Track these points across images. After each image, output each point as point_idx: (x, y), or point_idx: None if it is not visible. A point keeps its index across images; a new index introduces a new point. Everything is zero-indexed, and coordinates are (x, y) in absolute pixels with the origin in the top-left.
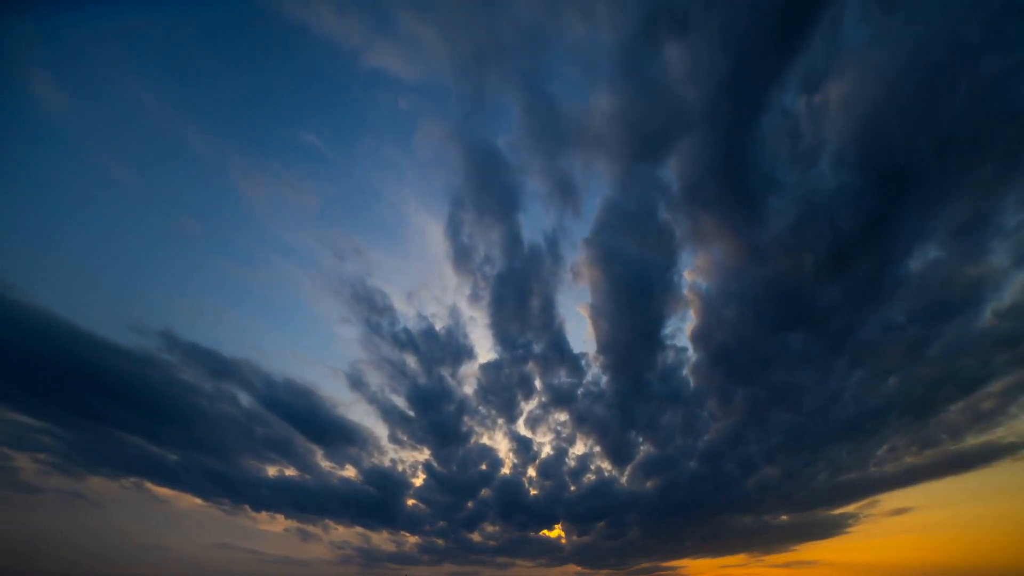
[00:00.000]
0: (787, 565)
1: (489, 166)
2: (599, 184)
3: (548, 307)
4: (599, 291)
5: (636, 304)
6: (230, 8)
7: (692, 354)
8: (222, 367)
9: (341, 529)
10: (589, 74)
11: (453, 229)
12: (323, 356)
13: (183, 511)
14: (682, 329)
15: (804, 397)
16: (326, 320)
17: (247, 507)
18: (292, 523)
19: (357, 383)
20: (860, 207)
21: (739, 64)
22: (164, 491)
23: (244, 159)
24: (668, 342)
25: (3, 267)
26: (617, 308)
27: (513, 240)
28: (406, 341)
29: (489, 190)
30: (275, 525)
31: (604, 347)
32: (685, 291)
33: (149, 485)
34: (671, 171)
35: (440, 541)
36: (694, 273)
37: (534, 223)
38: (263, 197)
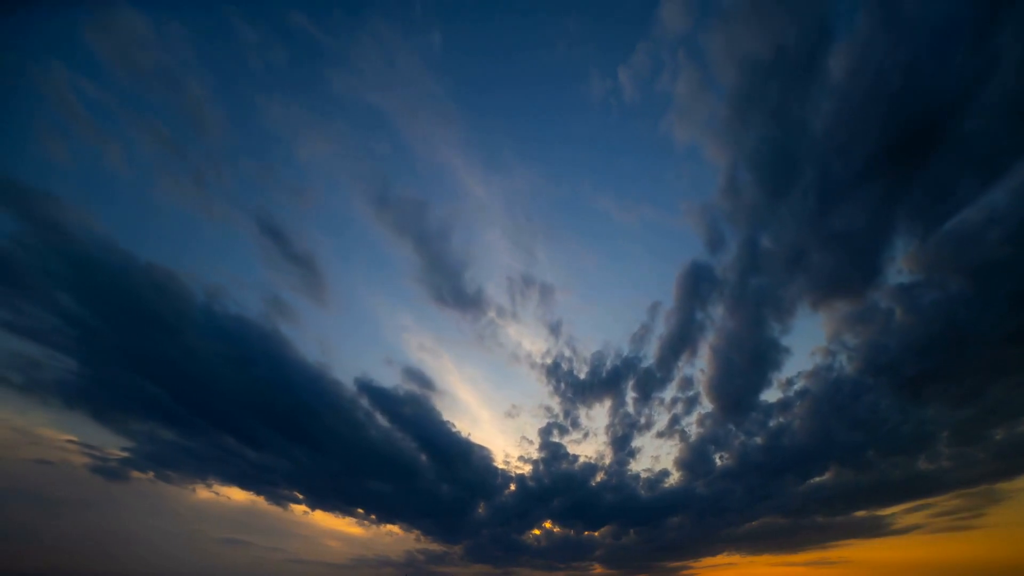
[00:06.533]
0: (808, 564)
1: (704, 284)
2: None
3: (689, 365)
4: (726, 343)
5: (756, 356)
6: None
7: (785, 395)
8: (387, 400)
9: (400, 533)
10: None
11: (650, 316)
12: (490, 399)
13: (252, 516)
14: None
15: (872, 427)
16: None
17: (319, 511)
18: (344, 527)
19: (510, 414)
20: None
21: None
22: (244, 497)
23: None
24: (770, 386)
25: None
26: (737, 358)
27: (687, 321)
28: (568, 394)
29: (696, 295)
30: (317, 529)
31: (715, 385)
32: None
33: (225, 492)
34: (804, 279)
35: (487, 543)
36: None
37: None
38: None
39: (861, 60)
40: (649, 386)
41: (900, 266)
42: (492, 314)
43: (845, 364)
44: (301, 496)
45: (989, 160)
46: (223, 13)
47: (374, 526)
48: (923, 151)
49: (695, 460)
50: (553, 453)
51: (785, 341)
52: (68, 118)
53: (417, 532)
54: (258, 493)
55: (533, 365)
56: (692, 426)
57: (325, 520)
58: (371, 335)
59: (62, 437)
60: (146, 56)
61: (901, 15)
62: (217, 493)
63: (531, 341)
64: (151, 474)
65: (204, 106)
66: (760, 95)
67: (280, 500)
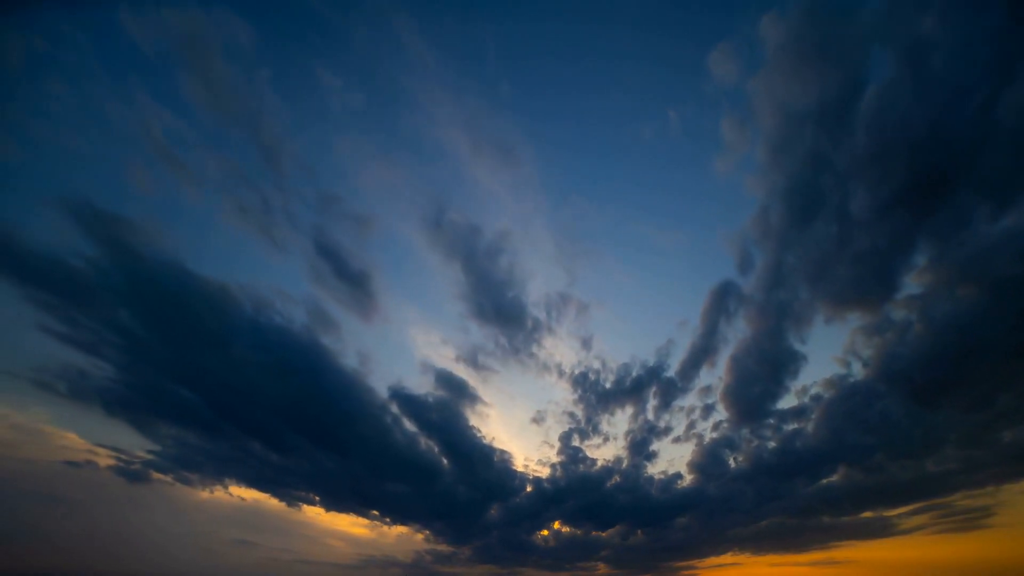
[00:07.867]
0: (813, 564)
1: (732, 300)
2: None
3: (709, 375)
4: (746, 353)
5: (774, 365)
6: None
7: (801, 402)
8: (417, 406)
9: (409, 533)
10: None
11: (678, 331)
12: (517, 405)
13: (261, 516)
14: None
15: (882, 431)
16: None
17: (331, 512)
18: (351, 527)
19: (535, 420)
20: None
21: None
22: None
23: None
24: (785, 394)
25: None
26: (756, 368)
27: (711, 333)
28: (592, 401)
29: (722, 310)
30: (325, 530)
31: (731, 392)
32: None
33: (240, 493)
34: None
35: (495, 544)
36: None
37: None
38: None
39: (890, 110)
40: (670, 394)
41: (914, 280)
42: (529, 329)
43: (859, 372)
44: (317, 498)
45: (1005, 192)
46: (310, 63)
47: (387, 527)
48: (943, 186)
49: (709, 463)
50: (572, 457)
51: (802, 350)
52: (152, 150)
53: (427, 533)
54: (274, 495)
55: (562, 375)
56: (708, 431)
57: (333, 521)
58: (409, 346)
59: (93, 441)
60: (233, 100)
61: (927, 71)
62: (230, 494)
63: (563, 353)
64: (171, 476)
65: (280, 143)
66: (797, 138)
67: (294, 502)
